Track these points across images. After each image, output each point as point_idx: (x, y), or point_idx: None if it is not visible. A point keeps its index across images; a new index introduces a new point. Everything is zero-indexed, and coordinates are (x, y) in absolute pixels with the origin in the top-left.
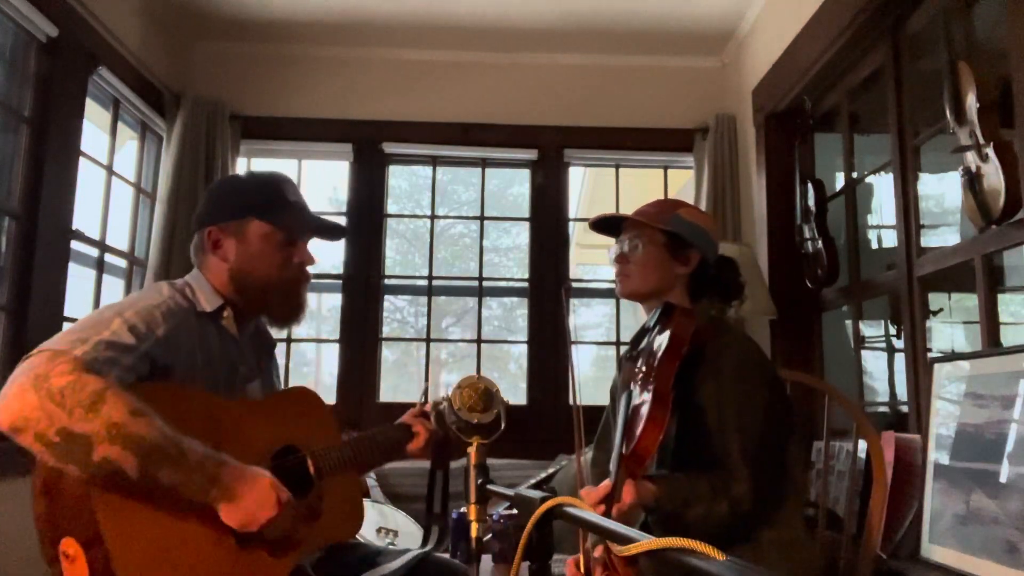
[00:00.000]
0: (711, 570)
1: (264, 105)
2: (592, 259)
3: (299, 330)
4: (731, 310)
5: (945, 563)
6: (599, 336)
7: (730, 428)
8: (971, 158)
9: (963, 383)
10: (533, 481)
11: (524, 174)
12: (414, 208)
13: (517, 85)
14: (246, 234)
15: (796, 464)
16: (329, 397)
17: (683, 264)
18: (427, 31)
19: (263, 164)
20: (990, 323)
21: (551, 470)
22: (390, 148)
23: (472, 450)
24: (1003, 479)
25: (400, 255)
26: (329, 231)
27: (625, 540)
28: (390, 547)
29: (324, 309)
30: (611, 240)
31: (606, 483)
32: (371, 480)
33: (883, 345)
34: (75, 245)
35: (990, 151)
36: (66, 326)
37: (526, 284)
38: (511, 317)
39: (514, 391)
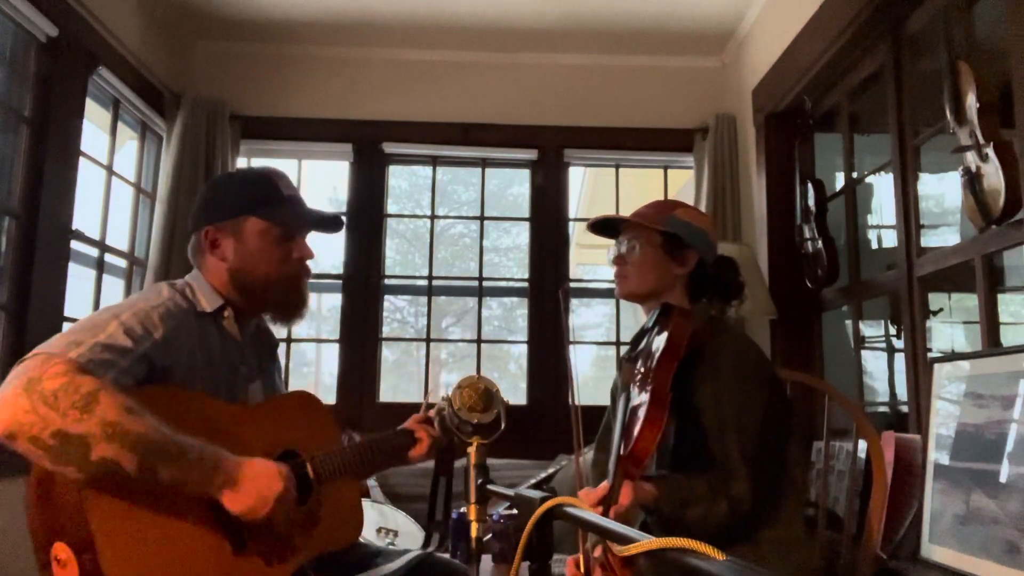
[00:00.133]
0: (711, 570)
1: (264, 105)
2: (592, 259)
3: (299, 330)
4: (731, 310)
5: (945, 563)
6: (599, 336)
7: (729, 428)
8: (971, 158)
9: (963, 383)
10: (533, 481)
11: (524, 174)
12: (414, 208)
13: (517, 85)
14: (243, 232)
15: (796, 464)
16: (329, 397)
17: (681, 264)
18: (427, 31)
19: (263, 164)
20: (990, 323)
21: (551, 470)
22: (390, 148)
23: (472, 450)
24: (1003, 479)
25: (400, 255)
26: (327, 223)
27: (625, 540)
28: (389, 548)
29: (324, 309)
30: (611, 240)
31: (604, 484)
32: (371, 481)
33: (883, 345)
34: (75, 245)
35: (990, 151)
36: (66, 326)
37: (526, 284)
38: (511, 317)
39: (514, 391)
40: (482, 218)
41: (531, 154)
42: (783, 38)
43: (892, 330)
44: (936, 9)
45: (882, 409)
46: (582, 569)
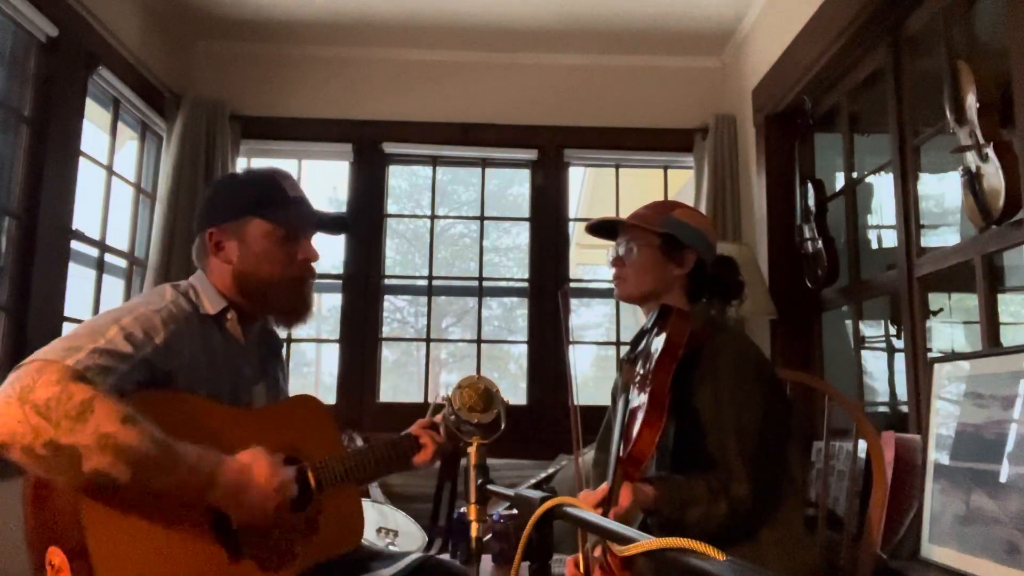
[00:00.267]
0: (711, 570)
1: (264, 105)
2: (592, 259)
3: (299, 330)
4: (731, 310)
5: (945, 563)
6: (599, 336)
7: (728, 428)
8: (971, 158)
9: (963, 383)
10: (533, 481)
11: (524, 174)
12: (414, 208)
13: (517, 85)
14: (247, 234)
15: (796, 464)
16: (329, 397)
17: (679, 265)
18: (427, 31)
19: (263, 164)
20: (990, 323)
21: (551, 470)
22: (390, 148)
23: (472, 450)
24: (1003, 479)
25: (400, 255)
26: (332, 225)
27: (625, 540)
28: (387, 548)
29: (324, 309)
30: (611, 241)
31: (603, 486)
32: None
33: (883, 345)
34: (75, 245)
35: (990, 151)
36: (66, 326)
37: (526, 284)
38: (511, 317)
39: (514, 391)
40: (482, 218)
41: (531, 154)
42: (783, 38)
43: (892, 330)
44: (936, 9)
45: (882, 409)
46: (582, 569)
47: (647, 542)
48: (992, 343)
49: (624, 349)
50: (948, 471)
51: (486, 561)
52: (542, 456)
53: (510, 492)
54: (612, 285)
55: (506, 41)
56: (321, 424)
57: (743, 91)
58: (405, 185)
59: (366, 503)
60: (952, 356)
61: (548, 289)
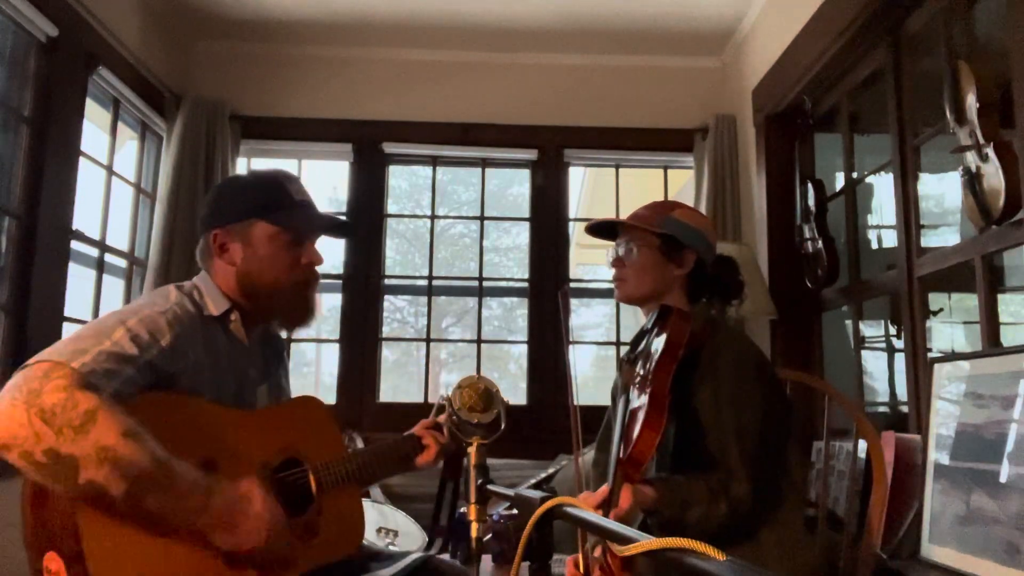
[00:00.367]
0: (711, 570)
1: (264, 105)
2: (592, 259)
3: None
4: (731, 310)
5: (945, 563)
6: (599, 336)
7: (728, 429)
8: (971, 158)
9: (963, 383)
10: (533, 481)
11: (524, 174)
12: (414, 208)
13: (517, 85)
14: (252, 236)
15: (795, 464)
16: (329, 397)
17: (679, 266)
18: (427, 31)
19: (263, 164)
20: (990, 323)
21: (551, 470)
22: (390, 148)
23: (472, 450)
24: (1003, 479)
25: (400, 255)
26: (337, 229)
27: (625, 540)
28: (387, 548)
29: (324, 309)
30: (611, 241)
31: (604, 488)
32: None
33: (883, 345)
34: (75, 245)
35: (990, 151)
36: (66, 326)
37: (526, 284)
38: (511, 317)
39: (514, 391)
40: (482, 218)
41: (531, 154)
42: (783, 38)
43: (892, 330)
44: (936, 9)
45: (882, 409)
46: (581, 570)
47: (647, 542)
48: (992, 343)
49: (624, 349)
50: (948, 471)
51: (486, 561)
52: (542, 456)
53: (510, 492)
54: (612, 285)
55: (506, 41)
56: (323, 425)
57: (743, 91)
58: (405, 185)
59: (366, 503)
60: (952, 356)
61: (548, 289)
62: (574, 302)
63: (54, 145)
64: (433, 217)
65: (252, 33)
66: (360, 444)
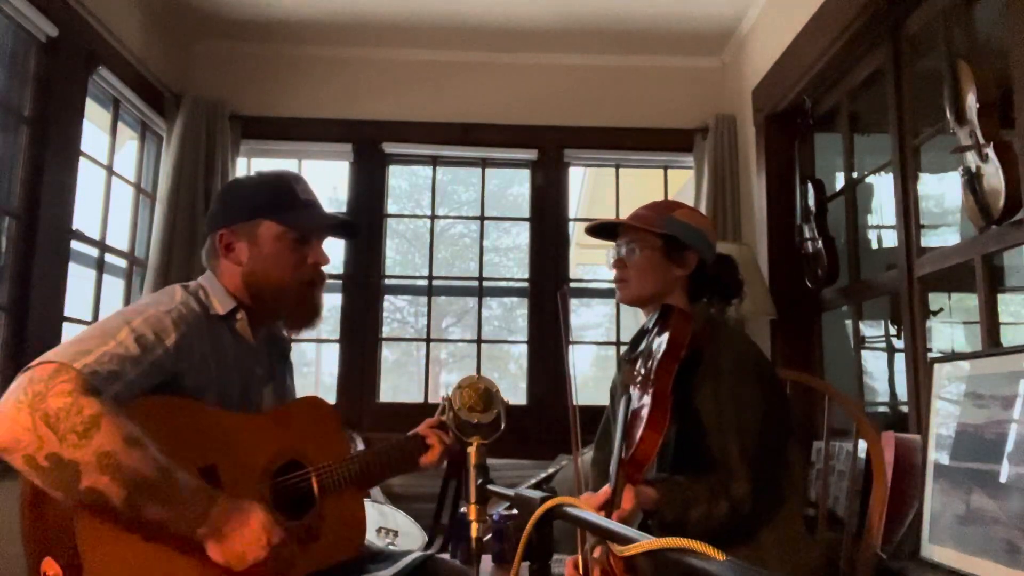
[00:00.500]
0: (711, 570)
1: (264, 105)
2: (592, 259)
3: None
4: (730, 309)
5: (945, 563)
6: (599, 336)
7: (729, 429)
8: (971, 158)
9: (963, 383)
10: (533, 481)
11: (524, 174)
12: (414, 208)
13: (517, 85)
14: (258, 236)
15: (796, 464)
16: (329, 397)
17: (680, 266)
18: (427, 31)
19: (263, 164)
20: (990, 323)
21: (551, 470)
22: (390, 148)
23: (472, 450)
24: (1003, 479)
25: (400, 255)
26: (343, 229)
27: (625, 540)
28: (387, 548)
29: (324, 309)
30: (611, 242)
31: (606, 489)
32: None
33: (883, 345)
34: (75, 245)
35: (990, 151)
36: (66, 326)
37: (526, 284)
38: (511, 317)
39: (514, 391)
40: (482, 218)
41: (531, 154)
42: (783, 38)
43: (892, 330)
44: (936, 9)
45: (882, 409)
46: (581, 571)
47: (647, 542)
48: (992, 343)
49: (624, 349)
50: (948, 471)
51: (486, 561)
52: (542, 456)
53: (510, 492)
54: (612, 285)
55: (506, 41)
56: (328, 427)
57: (743, 91)
58: (405, 185)
59: (366, 503)
60: (952, 356)
61: (548, 289)
62: (574, 302)
63: (54, 145)
64: (433, 217)
65: (252, 33)
66: (360, 444)
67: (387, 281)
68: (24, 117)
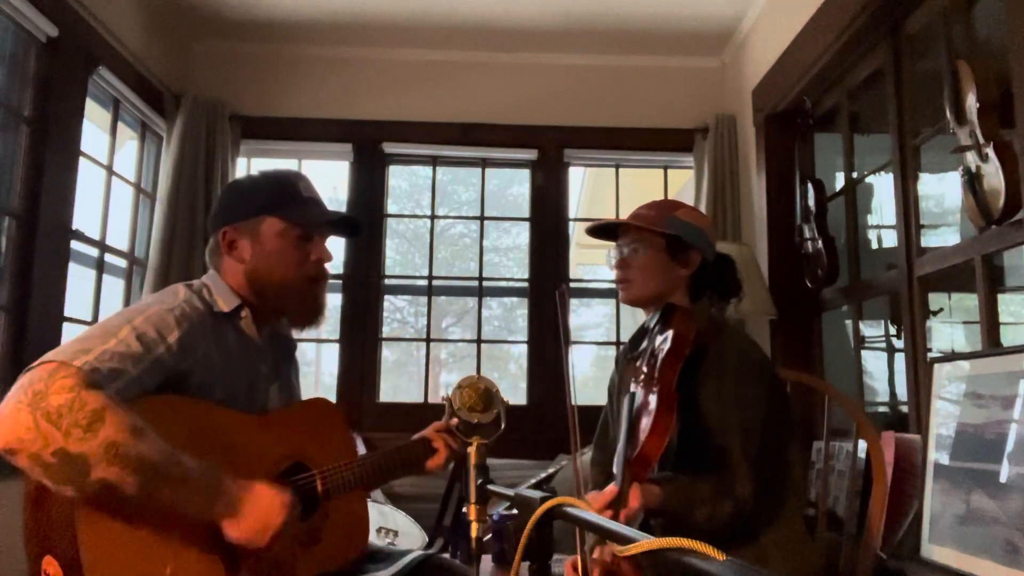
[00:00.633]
0: (711, 570)
1: (264, 105)
2: (592, 259)
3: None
4: (729, 308)
5: (945, 563)
6: (599, 336)
7: (732, 429)
8: (971, 158)
9: (963, 383)
10: (533, 481)
11: (524, 174)
12: (414, 208)
13: (517, 85)
14: (261, 232)
15: (796, 464)
16: (329, 397)
17: (684, 266)
18: (427, 31)
19: (263, 164)
20: (990, 323)
21: (551, 470)
22: (390, 148)
23: (472, 450)
24: (1003, 479)
25: (400, 255)
26: (345, 226)
27: (625, 540)
28: (387, 547)
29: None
30: (611, 242)
31: (612, 487)
32: None
33: (883, 345)
34: (75, 245)
35: (990, 151)
36: (66, 326)
37: (526, 284)
38: (511, 317)
39: (514, 391)
40: (482, 218)
41: (531, 154)
42: (783, 38)
43: (892, 330)
44: (936, 9)
45: (882, 409)
46: (580, 572)
47: (647, 542)
48: (992, 343)
49: (623, 348)
50: (948, 471)
51: (486, 561)
52: (542, 456)
53: (510, 492)
54: (612, 285)
55: (506, 41)
56: (334, 428)
57: (743, 91)
58: (405, 185)
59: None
60: (952, 356)
61: (548, 289)
62: (574, 302)
63: (54, 145)
64: (433, 217)
65: (252, 33)
66: (360, 444)
67: (387, 281)
68: (24, 117)
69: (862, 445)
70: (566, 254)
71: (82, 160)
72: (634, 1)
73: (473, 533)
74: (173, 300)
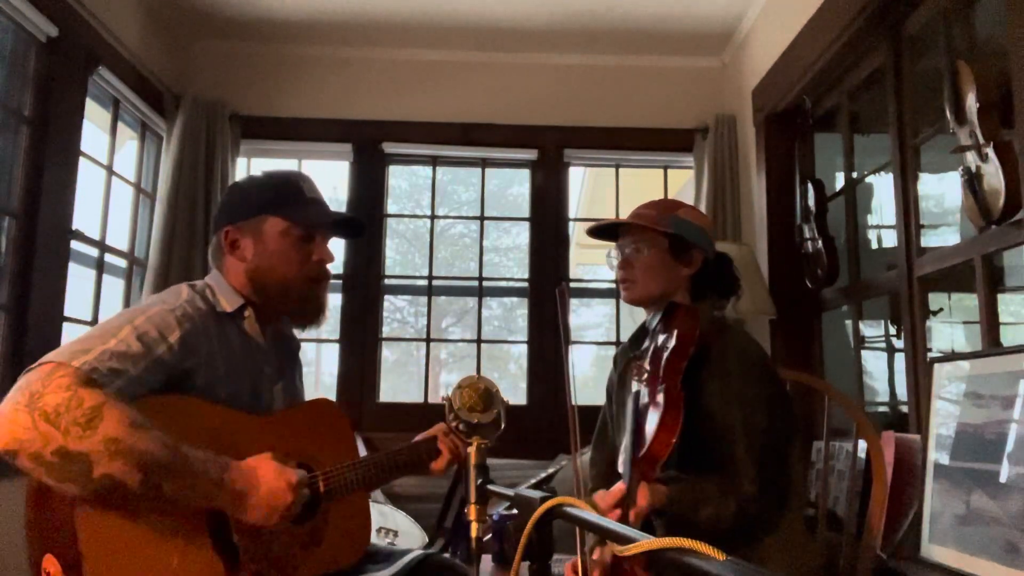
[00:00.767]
0: (711, 570)
1: (264, 105)
2: (592, 259)
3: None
4: (728, 307)
5: (945, 563)
6: (599, 336)
7: (736, 429)
8: (971, 158)
9: (963, 383)
10: (533, 481)
11: (524, 174)
12: (414, 208)
13: (517, 85)
14: (263, 232)
15: (798, 466)
16: (329, 397)
17: (686, 265)
18: (427, 31)
19: (263, 164)
20: (990, 323)
21: (551, 470)
22: (390, 148)
23: (472, 450)
24: (1003, 479)
25: (400, 255)
26: (348, 227)
27: (625, 540)
28: (387, 547)
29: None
30: (611, 242)
31: (619, 486)
32: None
33: (883, 345)
34: (75, 245)
35: (990, 151)
36: (66, 326)
37: (526, 284)
38: (511, 317)
39: (514, 391)
40: (482, 218)
41: (531, 154)
42: (783, 38)
43: (892, 330)
44: (936, 9)
45: (882, 409)
46: (580, 574)
47: (647, 542)
48: (992, 343)
49: (622, 347)
50: (948, 471)
51: (486, 561)
52: (542, 456)
53: (510, 492)
54: (612, 285)
55: (506, 41)
56: (337, 429)
57: (743, 91)
58: (405, 185)
59: None
60: (952, 356)
61: (548, 289)
62: (574, 302)
63: (54, 145)
64: (433, 217)
65: (252, 33)
66: (361, 445)
67: (387, 281)
68: (24, 117)
69: (862, 445)
70: (566, 254)
71: (82, 160)
72: (634, 1)
73: (473, 533)
74: (175, 300)
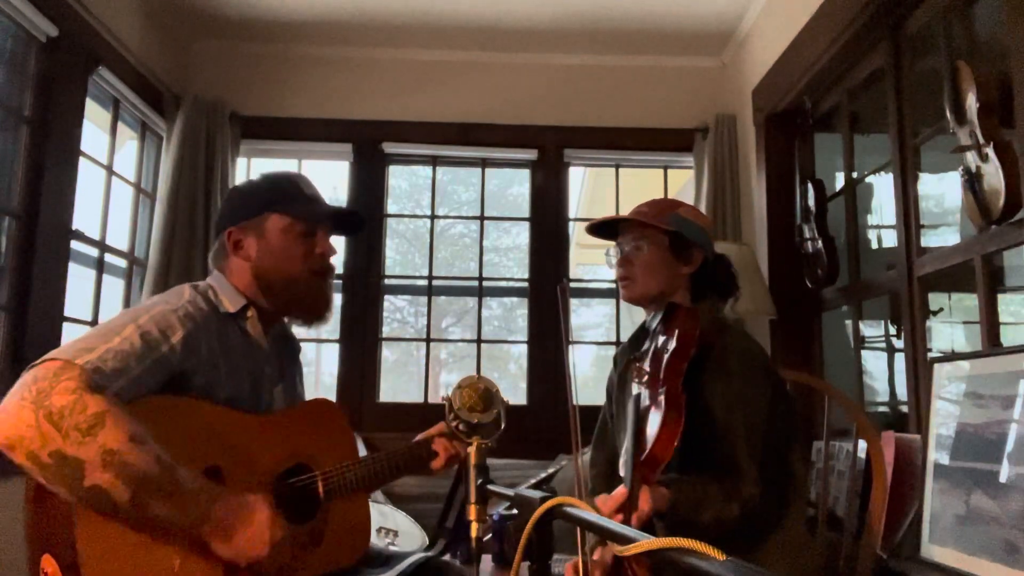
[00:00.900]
0: (711, 570)
1: (264, 105)
2: (592, 259)
3: (299, 329)
4: (727, 307)
5: (945, 563)
6: (599, 336)
7: (738, 430)
8: (971, 158)
9: (963, 383)
10: (533, 481)
11: (524, 174)
12: (414, 208)
13: (517, 85)
14: (265, 229)
15: (799, 466)
16: (329, 397)
17: (686, 264)
18: (428, 31)
19: (263, 164)
20: (990, 323)
21: (551, 470)
22: (390, 148)
23: (472, 450)
24: (1003, 479)
25: (400, 255)
26: (348, 222)
27: (625, 540)
28: (387, 549)
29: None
30: (610, 241)
31: (621, 490)
32: None
33: (883, 345)
34: (75, 245)
35: (990, 151)
36: (66, 326)
37: (526, 284)
38: (511, 317)
39: (514, 391)
40: (482, 218)
41: (531, 154)
42: (783, 38)
43: (892, 330)
44: (936, 9)
45: (882, 409)
46: (581, 574)
47: (646, 542)
48: (992, 343)
49: (621, 347)
50: (948, 471)
51: (486, 561)
52: (542, 456)
53: (510, 492)
54: (612, 285)
55: (506, 41)
56: (336, 429)
57: (743, 91)
58: (405, 185)
59: None
60: (952, 356)
61: (548, 289)
62: (574, 302)
63: (54, 145)
64: (433, 217)
65: (252, 33)
66: (360, 445)
67: (387, 281)
68: (24, 117)
69: (862, 445)
70: (566, 254)
71: (82, 160)
72: (634, 1)
73: (473, 533)
74: (178, 300)
